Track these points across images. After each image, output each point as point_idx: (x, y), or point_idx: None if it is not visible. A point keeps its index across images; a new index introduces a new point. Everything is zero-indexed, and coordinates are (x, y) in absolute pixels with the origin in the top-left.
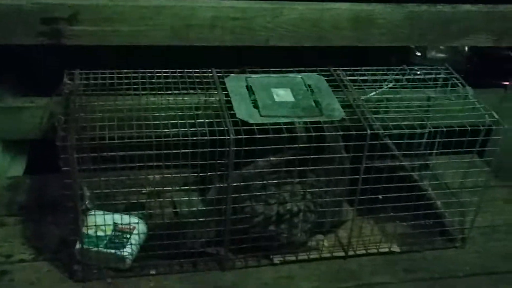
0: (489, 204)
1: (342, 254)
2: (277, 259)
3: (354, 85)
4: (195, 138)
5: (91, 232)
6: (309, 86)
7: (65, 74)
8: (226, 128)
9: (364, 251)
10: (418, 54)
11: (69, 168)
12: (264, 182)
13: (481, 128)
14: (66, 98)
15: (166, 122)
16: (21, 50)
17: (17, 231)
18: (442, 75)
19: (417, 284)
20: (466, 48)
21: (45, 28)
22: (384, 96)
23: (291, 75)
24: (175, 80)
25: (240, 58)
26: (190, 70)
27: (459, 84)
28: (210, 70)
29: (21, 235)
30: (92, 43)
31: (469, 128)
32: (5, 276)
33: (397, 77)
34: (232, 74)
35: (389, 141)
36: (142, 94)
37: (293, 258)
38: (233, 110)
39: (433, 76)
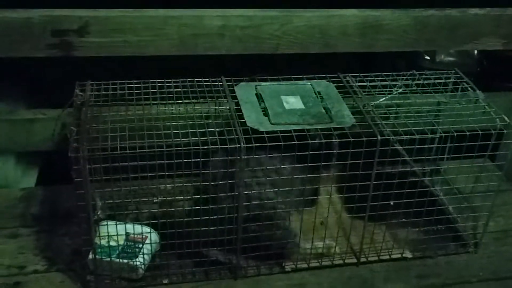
0: (501, 208)
1: (354, 260)
2: (289, 267)
3: (364, 91)
4: (205, 147)
5: (103, 242)
6: (319, 93)
7: (76, 85)
8: (236, 136)
9: (376, 258)
10: (427, 58)
11: (81, 178)
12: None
13: (492, 132)
14: (77, 109)
15: (177, 131)
16: (31, 62)
17: (30, 242)
18: (452, 79)
19: None
20: (476, 51)
21: (55, 40)
22: (394, 101)
23: (300, 82)
24: (185, 89)
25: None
26: (200, 79)
27: (469, 88)
28: (219, 78)
29: (34, 246)
30: (102, 54)
31: (480, 132)
32: (18, 287)
33: (407, 82)
34: (241, 82)
35: (399, 147)
36: (153, 104)
37: (305, 265)
38: (243, 118)
39: (443, 80)
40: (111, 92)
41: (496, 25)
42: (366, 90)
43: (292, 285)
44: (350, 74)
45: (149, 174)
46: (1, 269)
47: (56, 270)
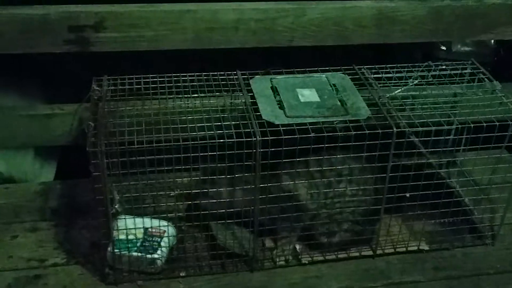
0: None
1: (371, 253)
2: (305, 259)
3: (379, 83)
4: (221, 140)
5: (122, 236)
6: (334, 85)
7: (93, 80)
8: (252, 129)
9: (392, 250)
10: (443, 48)
11: (99, 173)
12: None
13: (510, 122)
14: (94, 104)
15: (193, 125)
16: (48, 58)
17: (50, 236)
18: (468, 70)
19: (447, 282)
20: (493, 41)
21: (72, 36)
22: (409, 93)
23: (315, 75)
24: (201, 83)
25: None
26: (215, 73)
27: (486, 79)
28: (235, 72)
29: (53, 240)
30: (118, 49)
31: (497, 123)
32: (39, 280)
33: (423, 73)
34: (257, 76)
35: (415, 139)
36: (169, 98)
37: (321, 258)
38: (259, 112)
39: (459, 71)
40: (128, 87)
41: None
42: (382, 82)
43: (308, 277)
44: (365, 66)
45: (165, 168)
46: (21, 262)
47: (75, 263)
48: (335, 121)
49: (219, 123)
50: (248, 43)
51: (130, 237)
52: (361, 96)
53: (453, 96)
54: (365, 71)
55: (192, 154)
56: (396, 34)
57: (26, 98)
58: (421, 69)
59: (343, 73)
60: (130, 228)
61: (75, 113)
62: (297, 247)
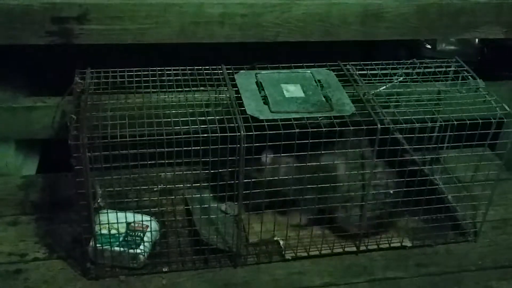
0: (501, 197)
1: (354, 249)
2: (288, 255)
3: (364, 80)
4: (205, 135)
5: (104, 231)
6: (319, 81)
7: (76, 73)
8: (236, 124)
9: (375, 246)
10: (428, 46)
11: (82, 166)
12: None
13: (493, 120)
14: (77, 97)
15: (176, 119)
16: (30, 50)
17: (31, 230)
18: (452, 68)
19: (429, 278)
20: (477, 40)
21: (55, 27)
22: (394, 90)
23: (300, 70)
24: (185, 77)
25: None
26: (200, 67)
27: (470, 77)
28: (219, 66)
29: (34, 234)
30: (102, 42)
31: (480, 121)
32: (19, 274)
33: (407, 70)
34: (241, 71)
35: (399, 135)
36: (153, 92)
37: (305, 254)
38: (243, 107)
39: (443, 69)
40: (111, 80)
41: (497, 14)
42: (367, 78)
43: (292, 273)
44: (350, 63)
45: (149, 162)
46: (2, 256)
47: (56, 258)
48: (320, 117)
49: (203, 118)
50: (234, 38)
51: (113, 231)
52: (346, 92)
53: (437, 94)
54: (350, 67)
55: (175, 149)
56: (381, 31)
57: (8, 90)
58: (405, 66)
59: (328, 69)
60: (112, 223)
61: (57, 106)
62: (281, 242)
